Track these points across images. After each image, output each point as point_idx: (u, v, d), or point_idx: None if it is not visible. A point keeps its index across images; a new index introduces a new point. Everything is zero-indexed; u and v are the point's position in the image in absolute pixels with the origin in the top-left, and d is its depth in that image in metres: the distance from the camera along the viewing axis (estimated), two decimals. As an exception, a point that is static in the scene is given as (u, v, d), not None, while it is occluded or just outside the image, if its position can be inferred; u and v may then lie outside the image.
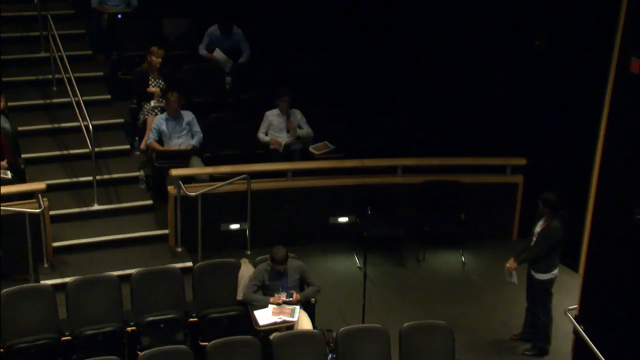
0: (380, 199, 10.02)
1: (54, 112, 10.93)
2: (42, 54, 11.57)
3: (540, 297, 8.27)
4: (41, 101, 11.10)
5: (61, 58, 10.62)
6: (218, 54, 11.47)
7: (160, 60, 10.63)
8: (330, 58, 12.03)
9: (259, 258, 8.25)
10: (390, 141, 10.95)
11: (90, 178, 9.76)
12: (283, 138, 10.43)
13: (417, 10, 11.99)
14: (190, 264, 9.14)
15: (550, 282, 8.22)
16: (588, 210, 8.97)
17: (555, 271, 8.22)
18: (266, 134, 10.46)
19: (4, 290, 7.48)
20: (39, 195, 8.89)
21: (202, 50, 11.62)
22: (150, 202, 10.02)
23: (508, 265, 8.21)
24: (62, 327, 7.55)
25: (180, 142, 10.07)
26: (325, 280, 8.87)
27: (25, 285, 7.96)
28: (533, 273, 8.22)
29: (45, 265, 9.01)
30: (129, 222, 9.75)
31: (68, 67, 10.40)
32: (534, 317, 8.37)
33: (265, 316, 7.65)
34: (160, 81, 10.70)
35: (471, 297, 9.32)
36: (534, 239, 8.20)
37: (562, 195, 8.21)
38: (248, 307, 7.84)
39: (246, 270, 8.09)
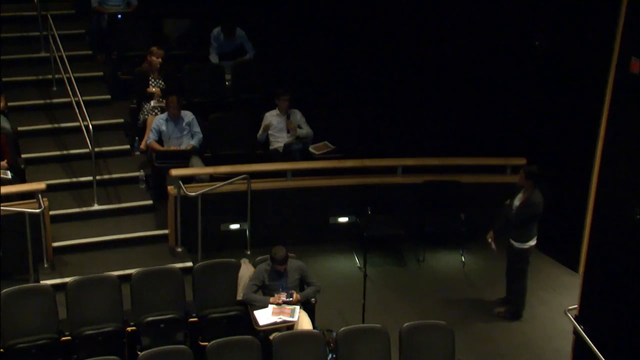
0: (380, 199, 10.01)
1: (54, 112, 10.94)
2: (42, 54, 11.58)
3: (518, 265, 8.71)
4: (41, 101, 11.10)
5: (61, 58, 10.62)
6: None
7: (160, 60, 10.63)
8: (330, 58, 12.03)
9: (259, 258, 8.25)
10: (390, 141, 10.96)
11: (90, 178, 9.76)
12: (283, 138, 10.43)
13: (418, 10, 11.99)
14: (190, 264, 9.14)
15: (529, 252, 8.66)
16: (588, 210, 8.99)
17: (533, 241, 8.62)
18: (266, 135, 10.46)
19: (4, 290, 7.47)
20: (39, 195, 8.89)
21: (215, 59, 11.61)
22: (150, 202, 10.02)
23: (488, 236, 8.80)
24: (62, 327, 7.55)
25: (180, 142, 10.08)
26: (325, 280, 8.86)
27: (25, 285, 7.95)
28: (513, 243, 8.65)
29: (45, 265, 9.01)
30: (129, 222, 9.75)
31: (68, 67, 10.41)
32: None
33: (265, 316, 7.65)
34: (160, 81, 10.70)
35: (471, 297, 9.32)
36: (514, 211, 8.56)
37: (542, 168, 8.68)
38: (248, 307, 7.84)
39: (246, 270, 8.09)
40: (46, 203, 8.93)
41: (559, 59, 9.93)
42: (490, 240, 8.78)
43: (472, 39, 11.31)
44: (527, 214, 8.48)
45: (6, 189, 8.75)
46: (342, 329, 7.30)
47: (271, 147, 10.49)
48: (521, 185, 8.55)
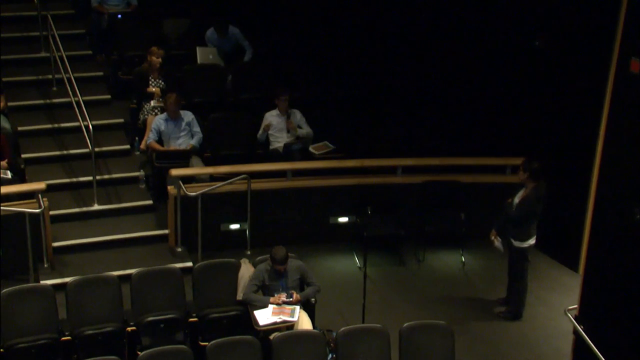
0: (380, 199, 10.01)
1: (54, 112, 10.94)
2: (42, 54, 11.59)
3: (518, 264, 8.72)
4: (41, 101, 11.10)
5: (61, 58, 10.63)
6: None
7: (160, 60, 10.63)
8: (330, 58, 12.03)
9: (259, 258, 8.25)
10: (390, 141, 10.96)
11: (90, 178, 9.77)
12: (283, 138, 10.43)
13: (418, 10, 11.99)
14: (190, 264, 9.14)
15: (528, 250, 8.65)
16: (588, 210, 8.99)
17: (532, 240, 8.62)
18: (266, 135, 10.46)
19: (4, 290, 7.47)
20: (39, 195, 8.89)
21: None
22: (150, 202, 10.02)
23: (491, 235, 8.77)
24: (62, 327, 7.55)
25: (180, 142, 10.08)
26: (325, 280, 8.87)
27: (25, 285, 7.95)
28: (512, 241, 8.64)
29: (45, 265, 9.01)
30: (129, 222, 9.75)
31: (68, 67, 10.41)
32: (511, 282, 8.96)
33: (265, 316, 7.65)
34: (160, 81, 10.70)
35: (471, 297, 9.32)
36: (514, 208, 8.56)
37: (544, 166, 8.60)
38: (248, 307, 7.84)
39: (246, 270, 8.09)
40: (46, 203, 8.93)
41: (559, 59, 9.93)
42: (493, 238, 8.76)
43: (472, 39, 11.31)
44: (526, 211, 8.48)
45: (6, 189, 8.75)
46: (342, 329, 7.30)
47: (271, 147, 10.49)
48: (521, 181, 8.55)
